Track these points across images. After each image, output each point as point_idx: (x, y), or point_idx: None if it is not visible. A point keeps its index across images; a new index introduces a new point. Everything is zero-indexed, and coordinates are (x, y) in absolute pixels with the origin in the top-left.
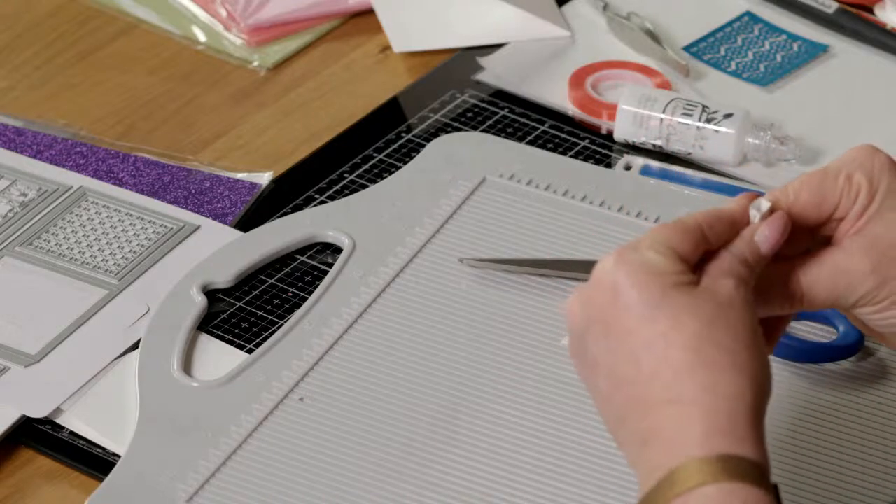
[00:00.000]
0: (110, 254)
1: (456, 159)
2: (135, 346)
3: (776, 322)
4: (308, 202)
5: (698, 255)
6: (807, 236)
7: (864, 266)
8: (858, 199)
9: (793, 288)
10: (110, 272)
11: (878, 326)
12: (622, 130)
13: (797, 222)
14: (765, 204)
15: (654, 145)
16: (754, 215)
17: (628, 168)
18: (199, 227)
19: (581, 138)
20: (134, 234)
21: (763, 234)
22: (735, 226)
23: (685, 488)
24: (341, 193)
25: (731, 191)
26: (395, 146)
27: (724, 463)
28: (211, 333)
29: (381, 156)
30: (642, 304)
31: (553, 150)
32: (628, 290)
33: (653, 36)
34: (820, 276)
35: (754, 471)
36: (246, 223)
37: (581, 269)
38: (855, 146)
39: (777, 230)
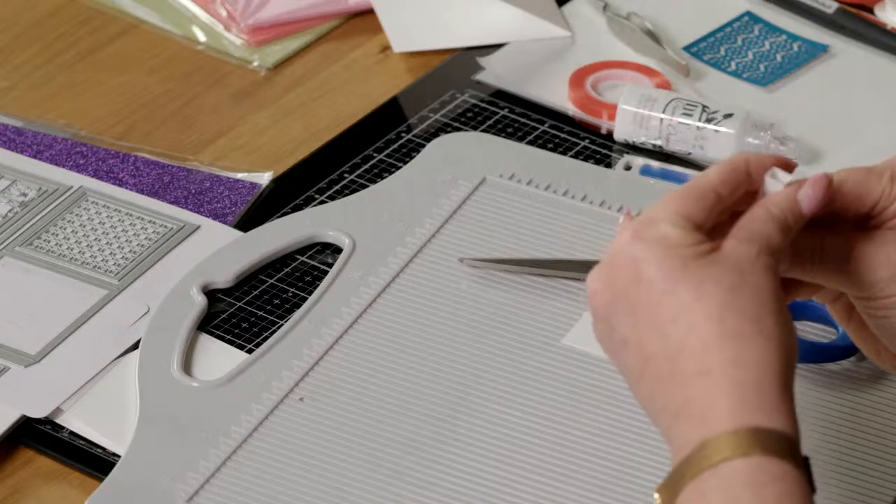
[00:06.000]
0: (110, 254)
1: (456, 159)
2: (135, 346)
3: (788, 286)
4: (308, 202)
5: (715, 217)
6: (842, 225)
7: (889, 255)
8: None
9: (812, 254)
10: (110, 272)
11: (870, 315)
12: (622, 130)
13: (836, 211)
14: (782, 175)
15: (654, 145)
16: (771, 183)
17: (628, 168)
18: (199, 227)
19: (581, 138)
20: (134, 234)
21: (806, 193)
22: (751, 175)
23: (714, 461)
24: (341, 193)
25: None
26: (395, 146)
27: (753, 436)
28: (211, 333)
29: (381, 156)
30: (664, 279)
31: (553, 150)
32: (649, 266)
33: (653, 36)
34: (842, 252)
35: (783, 443)
36: (246, 223)
37: (581, 269)
38: None
39: (821, 189)
